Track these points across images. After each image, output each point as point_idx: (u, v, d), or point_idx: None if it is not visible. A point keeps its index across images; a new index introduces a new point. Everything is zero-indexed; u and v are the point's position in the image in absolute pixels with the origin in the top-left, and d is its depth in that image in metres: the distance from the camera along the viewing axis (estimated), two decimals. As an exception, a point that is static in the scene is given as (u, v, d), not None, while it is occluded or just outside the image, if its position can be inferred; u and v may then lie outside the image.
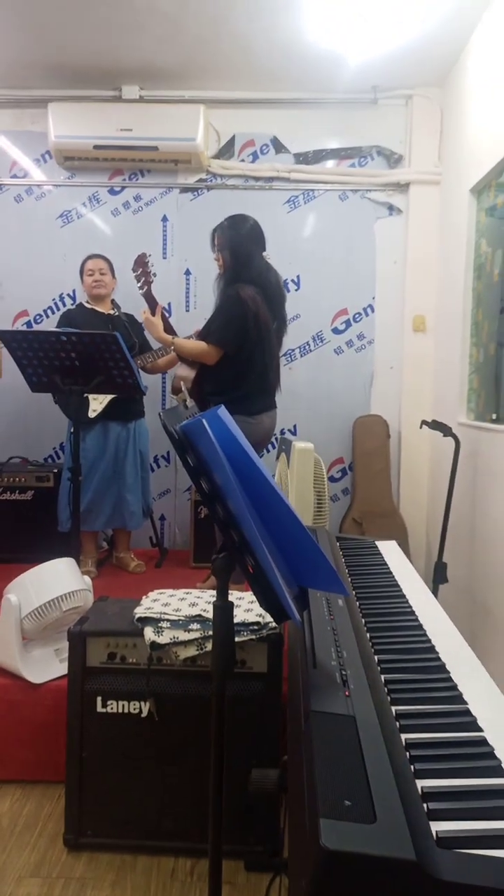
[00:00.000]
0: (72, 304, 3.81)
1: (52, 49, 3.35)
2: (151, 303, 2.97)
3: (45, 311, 3.90)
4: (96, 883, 1.72)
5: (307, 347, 3.93)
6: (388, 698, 0.97)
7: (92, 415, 3.22)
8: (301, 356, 3.92)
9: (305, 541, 1.07)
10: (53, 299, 3.90)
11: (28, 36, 3.23)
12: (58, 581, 2.17)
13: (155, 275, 3.00)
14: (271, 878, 1.72)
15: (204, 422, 1.02)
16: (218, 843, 1.25)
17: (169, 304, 3.79)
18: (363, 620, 1.29)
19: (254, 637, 1.83)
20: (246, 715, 1.79)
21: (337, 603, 1.29)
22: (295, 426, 3.93)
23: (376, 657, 1.11)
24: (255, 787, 1.04)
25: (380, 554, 1.97)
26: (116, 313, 3.33)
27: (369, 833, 0.67)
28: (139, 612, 1.89)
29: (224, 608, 1.30)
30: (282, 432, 3.84)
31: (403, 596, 1.52)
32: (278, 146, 3.81)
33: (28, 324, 3.88)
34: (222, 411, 1.06)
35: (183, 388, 2.77)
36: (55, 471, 3.57)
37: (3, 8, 2.99)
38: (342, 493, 3.94)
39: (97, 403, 3.24)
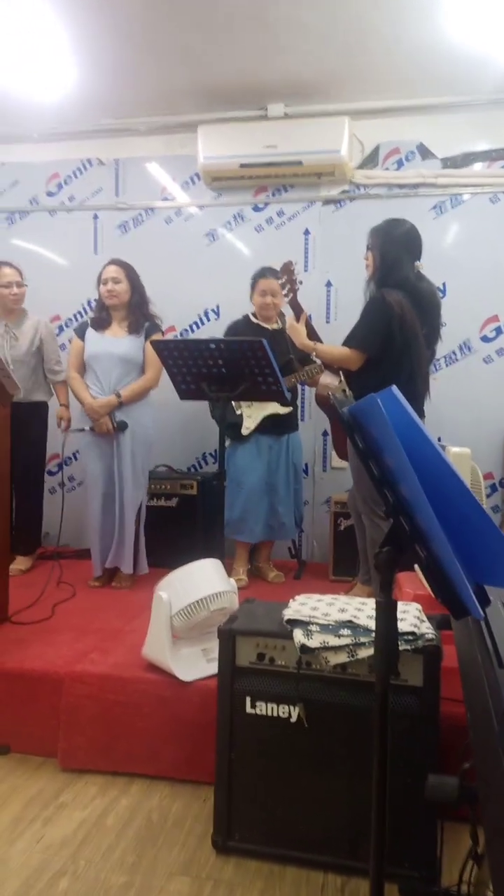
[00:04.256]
0: (216, 319, 3.92)
1: (200, 73, 3.50)
2: (297, 310, 2.98)
3: (190, 326, 4.04)
4: (245, 889, 1.69)
5: (453, 357, 3.77)
6: None
7: (245, 432, 3.29)
8: (446, 366, 3.77)
9: (488, 529, 0.98)
10: (199, 314, 4.03)
11: (178, 62, 3.39)
12: (206, 581, 2.19)
13: (301, 282, 3.01)
14: (428, 908, 1.60)
15: (379, 401, 0.97)
16: (380, 866, 1.16)
17: (310, 316, 3.78)
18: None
19: (408, 647, 1.73)
20: (399, 730, 1.69)
21: (514, 606, 1.18)
22: (439, 438, 3.76)
23: None
24: (433, 794, 0.96)
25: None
26: (280, 326, 3.38)
27: None
28: (288, 614, 1.86)
29: (388, 606, 1.24)
30: (425, 445, 3.69)
31: None
32: (424, 152, 3.73)
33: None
34: (396, 390, 1.01)
35: (341, 378, 2.75)
36: (198, 478, 3.66)
37: (155, 37, 3.16)
38: (492, 510, 3.72)
39: (250, 421, 3.30)
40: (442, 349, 3.69)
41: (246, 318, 3.46)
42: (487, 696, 0.84)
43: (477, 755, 0.87)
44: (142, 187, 4.08)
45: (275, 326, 3.39)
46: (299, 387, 3.76)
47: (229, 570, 2.36)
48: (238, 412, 3.29)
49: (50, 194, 4.20)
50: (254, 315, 3.43)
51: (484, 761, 0.80)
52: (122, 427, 3.26)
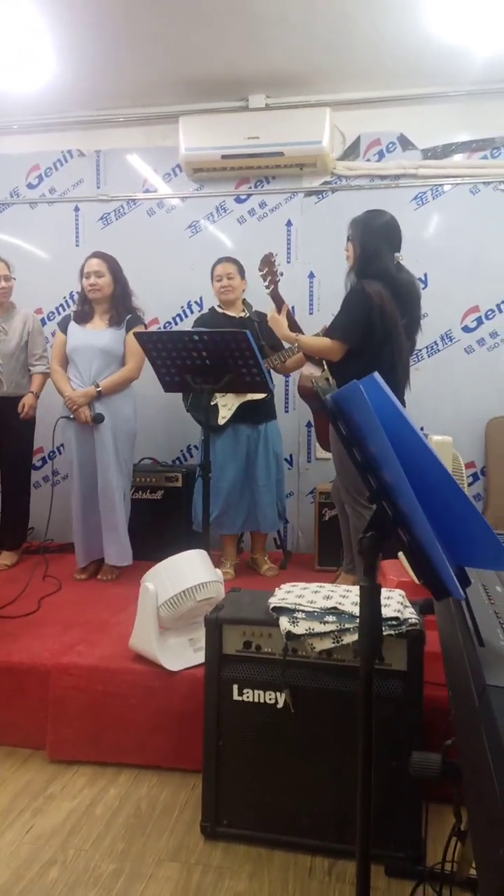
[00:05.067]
0: (199, 311, 3.92)
1: (181, 64, 3.48)
2: (278, 302, 2.99)
3: (174, 318, 4.04)
4: (233, 873, 1.71)
5: (435, 347, 3.80)
6: None
7: (221, 422, 3.28)
8: (428, 356, 3.80)
9: (468, 512, 1.00)
10: (182, 307, 4.03)
11: (159, 53, 3.37)
12: (192, 571, 2.20)
13: (282, 274, 3.02)
14: (414, 888, 1.64)
15: (361, 387, 0.99)
16: (366, 845, 1.19)
17: (293, 308, 3.79)
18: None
19: (392, 633, 1.76)
20: (384, 714, 1.72)
21: (495, 589, 1.21)
22: (422, 428, 3.80)
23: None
24: (417, 771, 0.98)
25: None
26: (247, 315, 3.38)
27: None
28: (273, 601, 1.87)
29: (372, 589, 1.25)
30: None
31: None
32: (405, 143, 3.75)
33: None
34: (378, 377, 1.02)
35: (325, 367, 2.76)
36: (183, 471, 3.67)
37: (135, 28, 3.15)
38: (474, 498, 3.76)
39: (226, 410, 3.29)
40: (424, 340, 3.73)
41: (212, 310, 3.48)
42: (468, 673, 0.86)
43: (459, 731, 0.89)
44: (123, 179, 4.06)
45: (242, 314, 3.40)
46: (283, 378, 3.79)
47: (216, 564, 2.37)
48: (213, 402, 3.28)
49: (30, 186, 4.17)
50: (219, 306, 3.44)
51: (465, 736, 0.82)
52: (98, 420, 3.25)
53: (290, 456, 3.97)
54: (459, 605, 1.07)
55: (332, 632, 1.77)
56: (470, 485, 3.77)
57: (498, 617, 1.05)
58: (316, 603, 1.85)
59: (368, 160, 3.79)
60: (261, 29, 3.15)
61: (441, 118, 3.70)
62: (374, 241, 2.75)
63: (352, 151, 3.81)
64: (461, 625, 1.00)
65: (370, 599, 1.24)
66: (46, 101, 3.86)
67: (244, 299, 3.43)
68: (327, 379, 2.78)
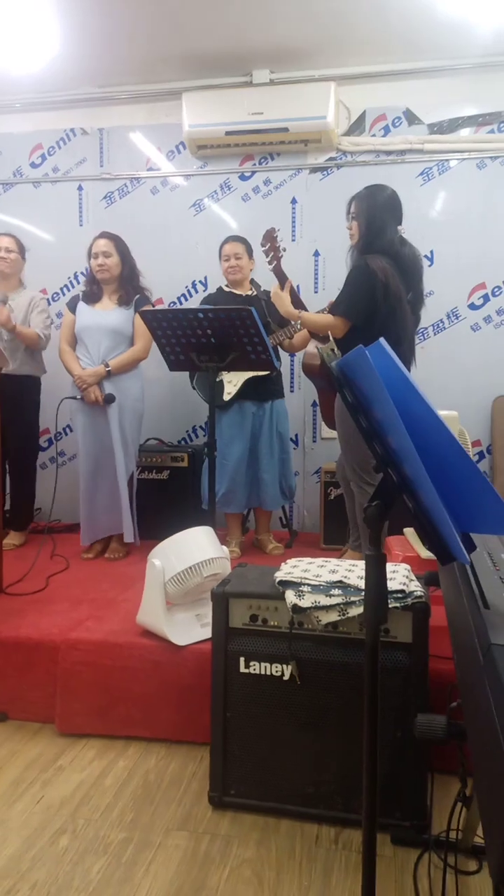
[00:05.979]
0: (204, 290, 3.90)
1: (184, 39, 3.44)
2: (281, 278, 2.97)
3: (178, 298, 4.03)
4: (241, 841, 1.73)
5: (441, 325, 3.78)
6: None
7: (226, 398, 3.27)
8: (434, 334, 3.78)
9: (474, 476, 1.00)
10: (186, 286, 4.01)
11: (162, 28, 3.33)
12: (198, 547, 2.21)
13: (284, 250, 3.00)
14: (419, 856, 1.66)
15: (367, 353, 0.98)
16: (372, 814, 1.20)
17: (298, 286, 3.78)
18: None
19: (398, 605, 1.76)
20: (390, 685, 1.73)
21: (500, 556, 1.21)
22: (428, 407, 3.79)
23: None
24: (422, 732, 0.99)
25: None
26: (255, 293, 3.37)
27: None
28: (279, 576, 1.88)
29: (377, 558, 1.26)
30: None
31: None
32: (411, 118, 3.70)
33: (162, 311, 4.00)
34: (384, 343, 1.02)
35: (331, 338, 2.75)
36: (189, 451, 3.67)
37: (137, 3, 3.11)
38: (480, 476, 3.75)
39: (231, 386, 3.29)
40: (430, 317, 3.71)
41: (219, 289, 3.46)
42: (473, 634, 0.87)
43: (464, 691, 0.90)
44: (126, 157, 4.03)
45: (248, 292, 3.38)
46: (288, 357, 3.77)
47: (222, 543, 2.37)
48: (218, 379, 3.26)
49: (33, 166, 4.14)
50: (226, 286, 3.42)
51: (470, 695, 0.83)
52: (108, 400, 3.26)
53: (296, 435, 3.96)
54: (465, 570, 1.08)
55: (337, 605, 1.78)
56: (476, 462, 3.76)
57: (503, 581, 1.06)
58: (322, 577, 1.85)
59: (374, 135, 3.75)
60: (265, 2, 3.10)
61: (447, 92, 3.65)
62: (381, 215, 2.72)
63: (357, 127, 3.77)
64: (466, 588, 1.00)
65: (375, 567, 1.24)
66: (49, 79, 3.82)
67: (252, 279, 3.41)
68: (333, 350, 2.76)
